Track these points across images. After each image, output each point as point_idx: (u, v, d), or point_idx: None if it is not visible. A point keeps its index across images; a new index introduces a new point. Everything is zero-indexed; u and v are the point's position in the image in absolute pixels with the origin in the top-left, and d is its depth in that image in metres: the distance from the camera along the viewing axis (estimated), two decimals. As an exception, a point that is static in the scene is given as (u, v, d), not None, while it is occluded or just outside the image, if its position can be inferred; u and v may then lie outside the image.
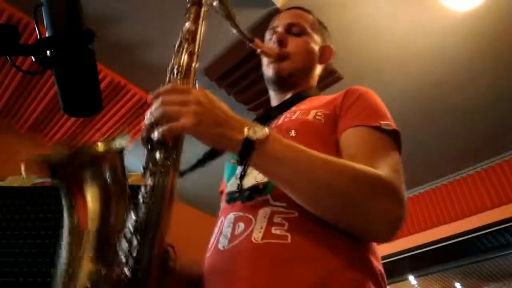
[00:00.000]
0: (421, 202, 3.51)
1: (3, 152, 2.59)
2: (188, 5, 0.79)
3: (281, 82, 1.03)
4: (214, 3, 0.87)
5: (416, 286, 3.82)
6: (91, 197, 0.61)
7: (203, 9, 0.80)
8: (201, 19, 0.79)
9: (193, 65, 0.74)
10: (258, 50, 1.01)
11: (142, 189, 0.64)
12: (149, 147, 0.65)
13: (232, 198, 0.82)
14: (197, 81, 0.75)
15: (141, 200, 0.62)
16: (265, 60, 1.06)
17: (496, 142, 3.07)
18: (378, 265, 0.73)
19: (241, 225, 0.74)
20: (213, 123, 0.64)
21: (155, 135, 0.63)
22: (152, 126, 0.64)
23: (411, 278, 3.66)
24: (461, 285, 3.91)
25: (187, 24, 0.78)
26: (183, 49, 0.75)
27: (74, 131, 2.77)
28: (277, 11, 2.18)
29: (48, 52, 0.62)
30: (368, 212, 0.67)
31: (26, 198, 1.29)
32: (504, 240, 3.06)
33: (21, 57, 1.79)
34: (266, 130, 0.66)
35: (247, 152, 0.64)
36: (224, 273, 0.71)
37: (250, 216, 0.74)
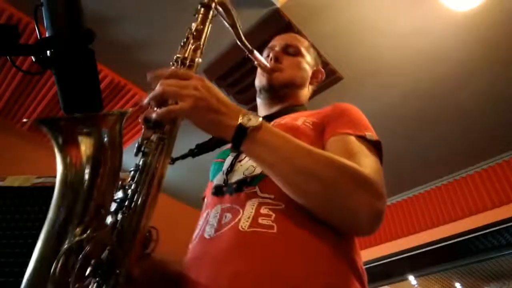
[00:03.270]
0: (421, 202, 3.51)
1: (3, 152, 2.59)
2: (199, 7, 0.85)
3: (273, 92, 1.08)
4: (221, 9, 0.92)
5: (416, 286, 3.82)
6: (85, 151, 0.62)
7: (211, 13, 0.86)
8: (208, 21, 0.84)
9: (196, 59, 0.79)
10: (256, 62, 1.07)
11: (134, 167, 0.66)
12: (147, 126, 0.68)
13: (219, 191, 0.84)
14: None
15: (130, 178, 0.64)
16: (259, 71, 1.12)
17: (496, 142, 3.07)
18: (361, 263, 0.75)
19: (228, 215, 0.76)
20: (209, 108, 0.67)
21: (153, 115, 0.66)
22: (151, 105, 0.68)
23: (411, 278, 3.66)
24: (461, 285, 3.92)
25: (195, 23, 0.83)
26: (189, 44, 0.79)
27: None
28: (277, 11, 2.18)
29: (48, 52, 0.62)
30: (350, 202, 0.68)
31: (26, 198, 1.29)
32: (504, 240, 3.06)
33: (21, 57, 1.80)
34: (260, 119, 0.69)
35: (239, 138, 0.67)
36: (210, 258, 0.72)
37: (238, 207, 0.76)
